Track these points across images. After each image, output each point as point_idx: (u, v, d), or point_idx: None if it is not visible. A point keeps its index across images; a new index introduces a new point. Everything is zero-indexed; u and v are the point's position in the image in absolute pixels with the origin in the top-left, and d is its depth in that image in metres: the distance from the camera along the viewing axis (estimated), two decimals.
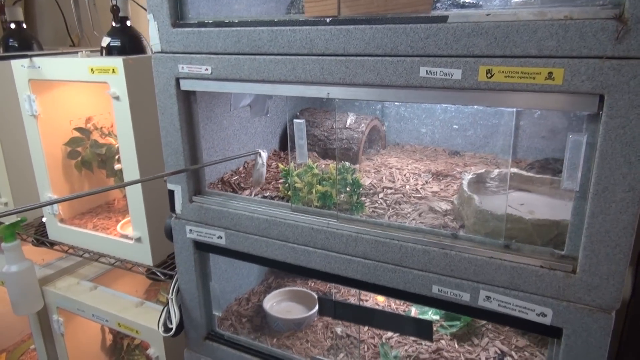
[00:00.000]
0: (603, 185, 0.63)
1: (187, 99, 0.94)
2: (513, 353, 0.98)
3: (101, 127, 1.43)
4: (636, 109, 0.59)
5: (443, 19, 0.66)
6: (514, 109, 0.72)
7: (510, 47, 0.63)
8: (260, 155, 1.05)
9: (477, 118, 1.20)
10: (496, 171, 0.96)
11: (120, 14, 1.24)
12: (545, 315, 0.71)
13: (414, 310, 1.13)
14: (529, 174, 0.95)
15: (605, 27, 0.58)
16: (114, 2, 1.22)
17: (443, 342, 1.03)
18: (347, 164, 0.97)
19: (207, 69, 0.87)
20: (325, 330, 1.13)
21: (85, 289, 1.41)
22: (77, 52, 1.22)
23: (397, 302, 1.16)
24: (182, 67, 0.89)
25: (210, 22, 0.85)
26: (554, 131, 1.08)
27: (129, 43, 1.25)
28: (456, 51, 0.66)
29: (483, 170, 0.96)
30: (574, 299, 0.69)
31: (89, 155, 1.41)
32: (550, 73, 0.62)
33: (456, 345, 1.02)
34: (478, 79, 0.66)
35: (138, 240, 1.24)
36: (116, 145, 1.39)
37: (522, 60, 0.63)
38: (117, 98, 1.12)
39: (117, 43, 1.24)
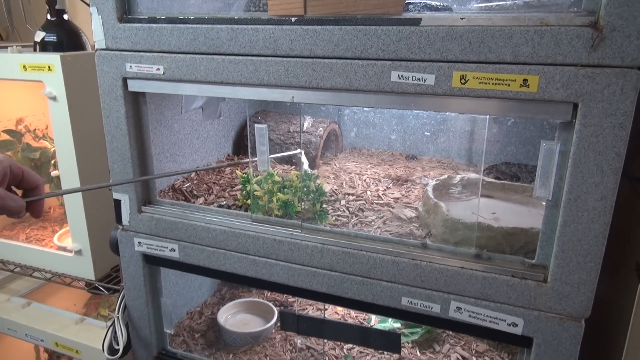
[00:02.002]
0: (575, 194, 0.62)
1: (136, 101, 0.87)
2: (474, 359, 0.97)
3: (34, 129, 1.31)
4: (609, 118, 0.58)
5: (416, 21, 0.64)
6: (487, 116, 0.71)
7: (485, 53, 0.62)
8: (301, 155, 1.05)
9: (434, 122, 1.19)
10: (458, 177, 0.95)
11: (57, 6, 1.14)
12: (516, 325, 0.70)
13: (374, 318, 1.10)
14: (491, 179, 0.95)
15: (580, 34, 0.57)
16: None
17: (405, 350, 1.01)
18: (309, 170, 0.93)
19: (159, 69, 0.80)
20: (284, 343, 1.08)
21: (16, 306, 1.28)
22: (6, 47, 1.10)
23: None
24: (131, 66, 0.81)
25: (162, 17, 0.79)
26: (510, 135, 1.09)
27: (66, 38, 1.14)
28: (429, 55, 0.64)
29: (446, 176, 0.95)
30: (544, 308, 0.68)
31: (20, 160, 1.28)
32: (525, 80, 0.60)
33: (418, 353, 1.01)
34: (452, 85, 0.64)
35: (78, 252, 1.14)
36: (52, 149, 1.28)
37: (497, 67, 0.61)
38: (53, 98, 1.02)
39: (52, 38, 1.13)
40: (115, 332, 0.98)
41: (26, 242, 1.26)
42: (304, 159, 1.06)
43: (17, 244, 1.24)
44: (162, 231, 0.90)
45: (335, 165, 1.17)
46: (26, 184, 0.71)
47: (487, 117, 0.72)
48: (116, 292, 1.11)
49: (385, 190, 1.02)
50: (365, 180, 1.07)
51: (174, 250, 0.90)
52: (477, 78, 0.62)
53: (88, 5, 0.83)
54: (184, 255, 0.89)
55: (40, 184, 0.72)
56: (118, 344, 0.97)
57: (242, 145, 1.26)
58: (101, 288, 1.15)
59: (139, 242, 0.92)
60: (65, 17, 1.17)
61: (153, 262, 0.94)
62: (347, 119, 1.29)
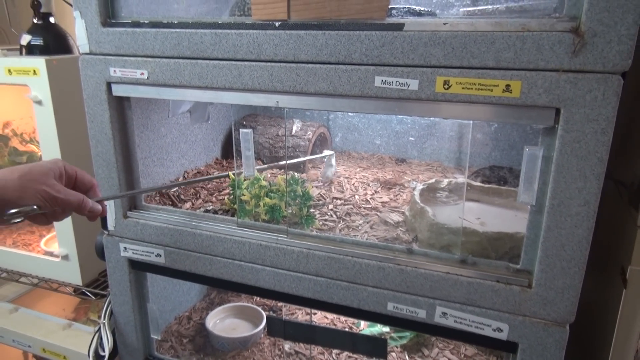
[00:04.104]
0: (559, 200, 0.62)
1: (121, 106, 0.86)
2: None
3: (21, 133, 1.30)
4: (591, 123, 0.58)
5: (399, 26, 0.63)
6: (471, 121, 0.71)
7: (467, 58, 0.61)
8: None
9: (422, 125, 1.19)
10: (446, 181, 0.95)
11: (43, 10, 1.13)
12: (502, 331, 0.70)
13: (364, 323, 1.10)
14: (477, 183, 0.95)
15: (562, 40, 0.57)
16: None
17: (393, 354, 1.01)
18: (297, 174, 0.93)
19: (142, 74, 0.79)
20: (273, 348, 1.08)
21: (4, 311, 1.27)
22: None
23: None
24: (115, 71, 0.81)
25: (146, 22, 0.78)
26: (498, 139, 1.09)
27: (52, 42, 1.14)
28: (413, 61, 0.64)
29: (433, 180, 0.95)
30: (529, 313, 0.68)
31: (7, 164, 1.27)
32: (508, 85, 0.60)
33: (407, 357, 1.00)
34: (435, 90, 0.63)
35: (65, 257, 1.13)
36: (39, 154, 1.27)
37: (480, 72, 0.61)
38: (39, 102, 1.01)
39: (39, 41, 1.12)
40: (101, 338, 0.97)
41: (13, 247, 1.25)
42: (333, 161, 1.08)
43: (4, 249, 1.23)
44: (147, 236, 0.89)
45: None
46: (81, 185, 0.71)
47: (471, 122, 0.71)
48: (104, 297, 1.10)
49: (373, 194, 1.01)
50: (353, 184, 1.07)
51: (160, 256, 0.89)
52: (460, 83, 0.62)
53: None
54: (170, 260, 0.89)
55: (95, 184, 0.73)
56: (104, 350, 0.96)
57: (230, 149, 1.25)
58: (88, 293, 1.15)
59: (125, 248, 0.91)
60: (52, 20, 1.16)
61: (139, 267, 0.93)
62: (337, 122, 1.29)
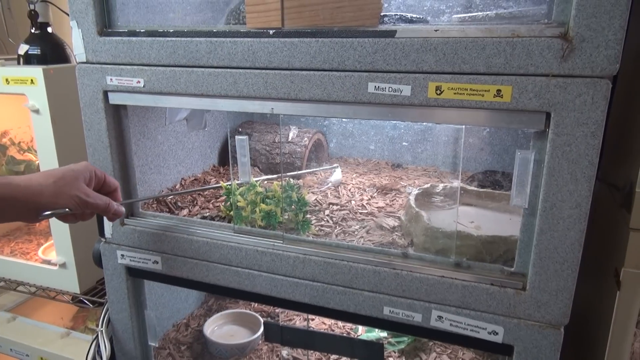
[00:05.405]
0: (551, 202, 0.63)
1: (117, 114, 0.87)
2: None
3: (19, 142, 1.31)
4: (581, 127, 0.59)
5: (391, 33, 0.64)
6: (463, 126, 0.71)
7: (459, 64, 0.62)
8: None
9: (418, 131, 1.20)
10: (441, 185, 0.96)
11: (40, 20, 1.14)
12: (497, 334, 0.70)
13: (361, 328, 1.10)
14: (472, 187, 0.95)
15: (551, 45, 0.58)
16: (32, 7, 1.11)
17: (391, 359, 1.01)
18: (292, 180, 0.93)
19: (139, 82, 0.80)
20: (270, 354, 1.08)
21: (1, 320, 1.27)
22: None
23: None
24: (111, 79, 0.82)
25: (142, 31, 0.79)
26: (493, 144, 1.10)
27: (50, 51, 1.15)
28: (405, 67, 0.65)
29: (428, 185, 0.96)
30: (524, 315, 0.68)
31: (4, 173, 1.28)
32: (499, 90, 0.61)
33: None
34: (427, 96, 0.64)
35: (62, 265, 1.14)
36: (37, 162, 1.27)
37: (471, 77, 0.62)
38: (36, 111, 1.02)
39: (36, 51, 1.13)
40: (99, 346, 0.98)
41: (11, 255, 1.25)
42: (338, 172, 1.11)
43: (2, 258, 1.23)
44: (144, 243, 0.90)
45: (321, 174, 1.17)
46: (107, 187, 0.79)
47: (463, 126, 0.72)
48: (101, 305, 1.10)
49: (369, 199, 1.02)
50: (350, 190, 1.07)
51: (157, 263, 0.89)
52: (452, 89, 0.63)
53: None
54: (167, 267, 0.89)
55: (118, 186, 0.81)
56: (102, 358, 0.96)
57: (227, 156, 1.26)
58: (86, 301, 1.15)
59: (122, 255, 0.92)
60: (49, 29, 1.17)
61: (136, 274, 0.94)
62: (333, 128, 1.30)
